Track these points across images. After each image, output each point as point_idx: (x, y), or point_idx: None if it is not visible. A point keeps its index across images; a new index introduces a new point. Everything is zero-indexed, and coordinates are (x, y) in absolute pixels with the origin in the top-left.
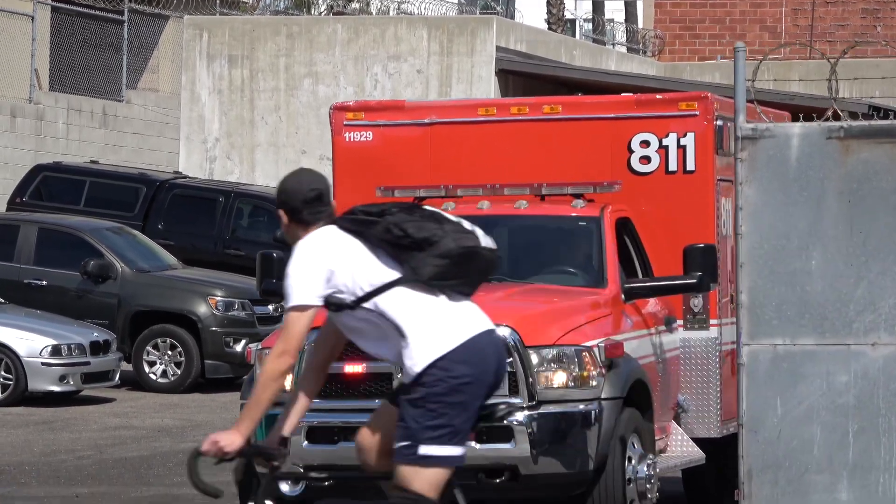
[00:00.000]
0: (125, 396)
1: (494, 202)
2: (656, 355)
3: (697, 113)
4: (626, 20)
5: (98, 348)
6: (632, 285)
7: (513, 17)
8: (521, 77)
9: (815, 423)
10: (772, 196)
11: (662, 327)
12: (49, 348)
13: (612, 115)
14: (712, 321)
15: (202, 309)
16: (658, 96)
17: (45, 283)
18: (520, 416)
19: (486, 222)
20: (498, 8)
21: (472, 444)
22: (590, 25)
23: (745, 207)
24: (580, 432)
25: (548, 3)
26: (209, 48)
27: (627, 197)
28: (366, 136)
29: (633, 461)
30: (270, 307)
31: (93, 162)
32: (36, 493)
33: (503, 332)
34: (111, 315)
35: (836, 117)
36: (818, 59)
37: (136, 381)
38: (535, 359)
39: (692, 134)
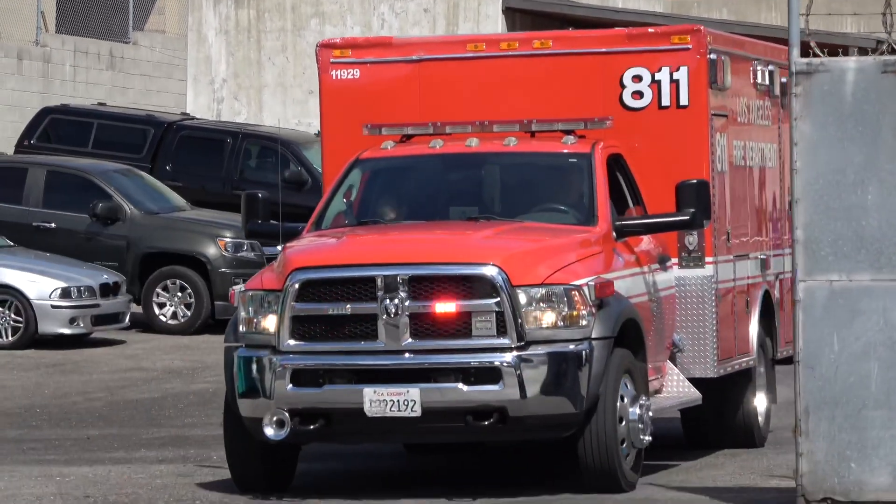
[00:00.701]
0: (135, 338)
1: (483, 139)
2: (649, 294)
3: (690, 46)
4: None
5: (108, 290)
6: (623, 223)
7: None
8: (528, 15)
9: (872, 358)
10: (827, 131)
11: (656, 266)
12: (59, 291)
13: (603, 50)
14: (707, 259)
15: (211, 250)
16: (650, 30)
17: (53, 225)
18: (507, 356)
19: (474, 160)
20: None
21: (459, 385)
22: None
23: (799, 143)
24: (571, 372)
25: None
26: (216, 6)
27: (620, 133)
28: (353, 74)
29: (625, 402)
30: (279, 247)
31: (100, 104)
32: (48, 436)
33: (490, 270)
34: (120, 257)
35: (893, 52)
36: None
37: (146, 323)
38: (523, 298)
39: (685, 68)
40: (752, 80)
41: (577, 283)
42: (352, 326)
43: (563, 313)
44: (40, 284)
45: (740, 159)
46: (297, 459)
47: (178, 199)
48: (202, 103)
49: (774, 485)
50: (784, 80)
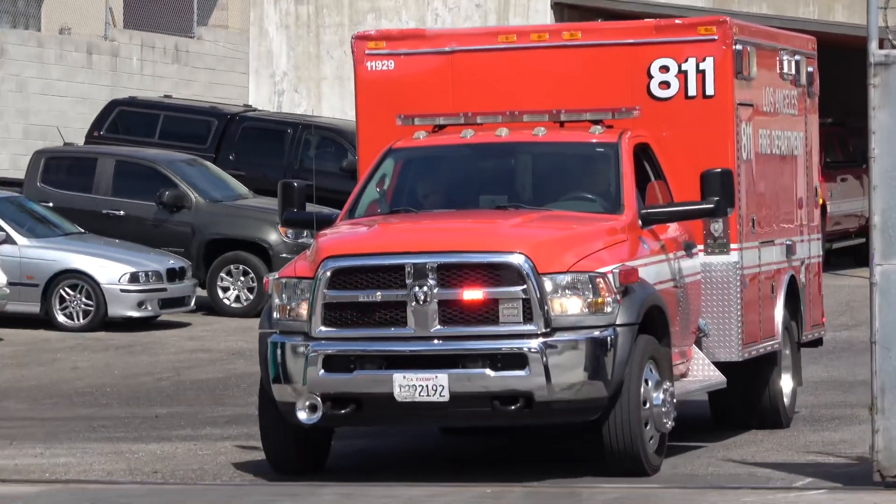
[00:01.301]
0: (200, 321)
1: (513, 129)
2: (675, 280)
3: (716, 37)
4: None
5: (174, 275)
6: (649, 211)
7: None
8: (576, 10)
9: None
10: None
11: (682, 252)
12: (127, 275)
13: (630, 41)
14: (733, 245)
15: (273, 236)
16: (677, 21)
17: (122, 213)
18: (533, 343)
19: (504, 149)
20: None
21: (487, 371)
22: None
23: (877, 132)
24: (596, 358)
25: None
26: (276, 2)
27: (647, 122)
28: (387, 65)
29: (650, 387)
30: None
31: (166, 96)
32: (117, 414)
33: (517, 259)
34: (186, 243)
35: None
36: None
37: (211, 307)
38: (549, 286)
39: (711, 59)
40: (778, 70)
41: (602, 270)
42: (382, 313)
43: (589, 300)
44: (110, 269)
45: (766, 148)
46: (330, 441)
47: (240, 188)
48: (263, 95)
49: (811, 460)
50: (810, 69)
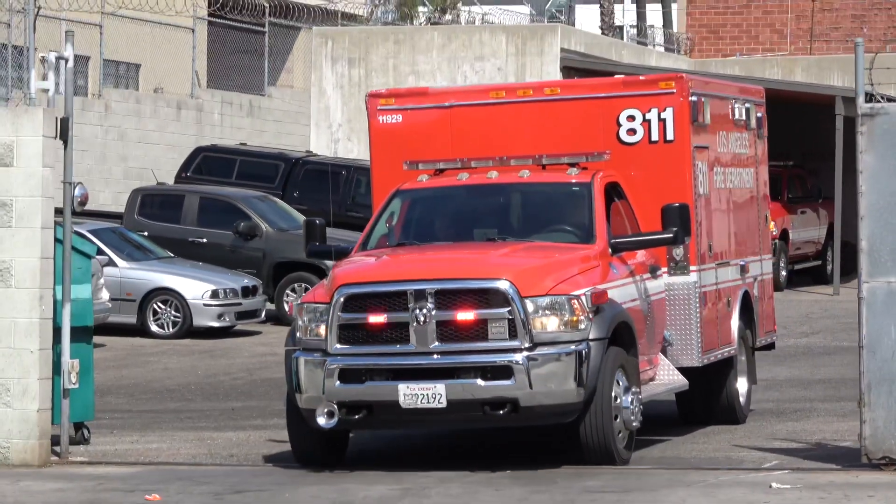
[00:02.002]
0: (270, 330)
1: (502, 172)
2: (641, 299)
3: (674, 91)
4: (664, 26)
5: (248, 292)
6: (617, 240)
7: (573, 25)
8: (581, 72)
9: None
10: (886, 162)
11: (647, 275)
12: (209, 292)
13: (602, 95)
14: (692, 267)
15: (328, 260)
16: (641, 77)
17: (205, 240)
18: (518, 356)
19: (494, 189)
20: (562, 17)
21: (478, 381)
22: (635, 30)
23: (864, 171)
24: (571, 368)
25: (601, 13)
26: (333, 52)
27: (617, 164)
28: (396, 119)
29: (619, 392)
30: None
31: (242, 144)
32: (200, 407)
33: (503, 284)
34: (258, 265)
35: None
36: (818, 56)
37: (278, 317)
38: (531, 307)
39: (671, 109)
40: (731, 116)
41: (577, 293)
42: (388, 332)
43: (565, 319)
44: (195, 287)
45: (721, 183)
46: (347, 440)
47: (302, 219)
48: (322, 143)
49: (777, 446)
50: (759, 114)
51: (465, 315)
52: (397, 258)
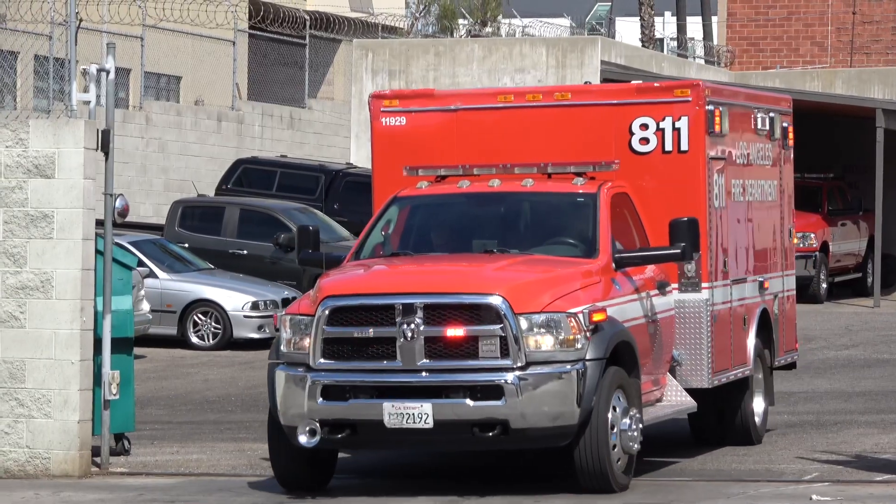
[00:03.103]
0: None
1: (505, 180)
2: (647, 317)
3: (690, 99)
4: (704, 38)
5: (288, 303)
6: (622, 255)
7: (613, 37)
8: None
9: None
10: None
11: (655, 291)
12: (249, 304)
13: (615, 102)
14: (704, 284)
15: None
16: (656, 84)
17: (245, 252)
18: (510, 376)
19: (495, 198)
20: (602, 30)
21: (467, 401)
22: (675, 43)
23: None
24: (566, 389)
25: (641, 25)
26: (373, 65)
27: (628, 174)
28: (400, 121)
29: (617, 414)
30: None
31: (282, 156)
32: (240, 418)
33: (495, 300)
34: (298, 277)
35: None
36: (858, 68)
37: None
38: (524, 324)
39: (686, 118)
40: (752, 126)
41: (573, 310)
42: (374, 347)
43: (561, 337)
44: (235, 299)
45: (739, 196)
46: (335, 460)
47: (343, 231)
48: (363, 155)
49: (817, 458)
50: (785, 124)
51: (455, 331)
52: (386, 270)
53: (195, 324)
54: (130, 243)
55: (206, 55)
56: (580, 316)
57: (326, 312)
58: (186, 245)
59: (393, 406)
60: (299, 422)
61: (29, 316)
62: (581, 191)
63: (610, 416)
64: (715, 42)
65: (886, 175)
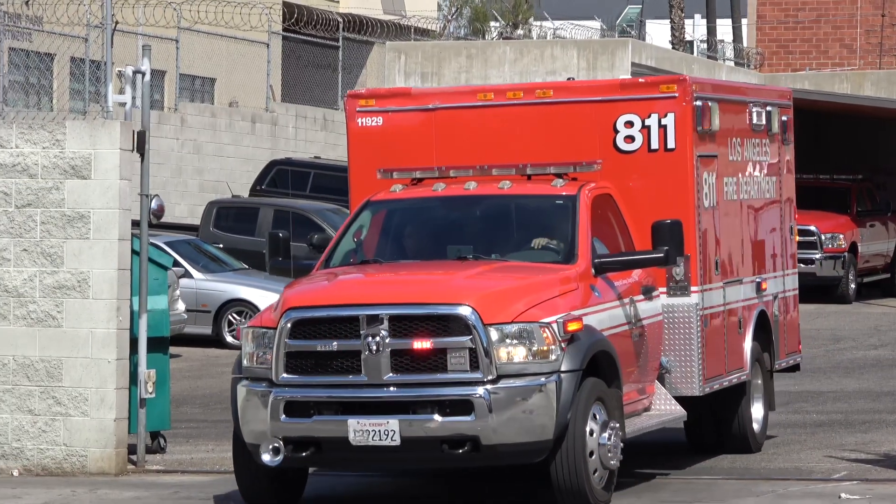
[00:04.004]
0: None
1: (482, 182)
2: (630, 324)
3: (676, 95)
4: (734, 40)
5: None
6: (601, 260)
7: (644, 39)
8: None
9: None
10: None
11: (640, 296)
12: None
13: (598, 98)
14: (693, 288)
15: None
16: (640, 80)
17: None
18: (480, 389)
19: (471, 202)
20: (632, 32)
21: (435, 417)
22: (705, 45)
23: None
24: (539, 403)
25: (672, 28)
26: (406, 67)
27: (613, 174)
28: (376, 121)
29: (596, 428)
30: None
31: (316, 157)
32: None
33: (464, 310)
34: None
35: None
36: (887, 70)
37: None
38: (494, 335)
39: (672, 114)
40: (747, 121)
41: (547, 320)
42: (338, 361)
43: (533, 349)
44: (269, 298)
45: (732, 194)
46: (305, 478)
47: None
48: None
49: (846, 456)
50: (785, 118)
51: (422, 343)
52: (352, 279)
53: (230, 323)
54: (166, 243)
55: (240, 57)
56: (554, 326)
57: (289, 325)
58: (221, 245)
59: (358, 423)
60: (262, 440)
61: (66, 315)
62: (560, 193)
63: (587, 430)
64: (745, 44)
65: None
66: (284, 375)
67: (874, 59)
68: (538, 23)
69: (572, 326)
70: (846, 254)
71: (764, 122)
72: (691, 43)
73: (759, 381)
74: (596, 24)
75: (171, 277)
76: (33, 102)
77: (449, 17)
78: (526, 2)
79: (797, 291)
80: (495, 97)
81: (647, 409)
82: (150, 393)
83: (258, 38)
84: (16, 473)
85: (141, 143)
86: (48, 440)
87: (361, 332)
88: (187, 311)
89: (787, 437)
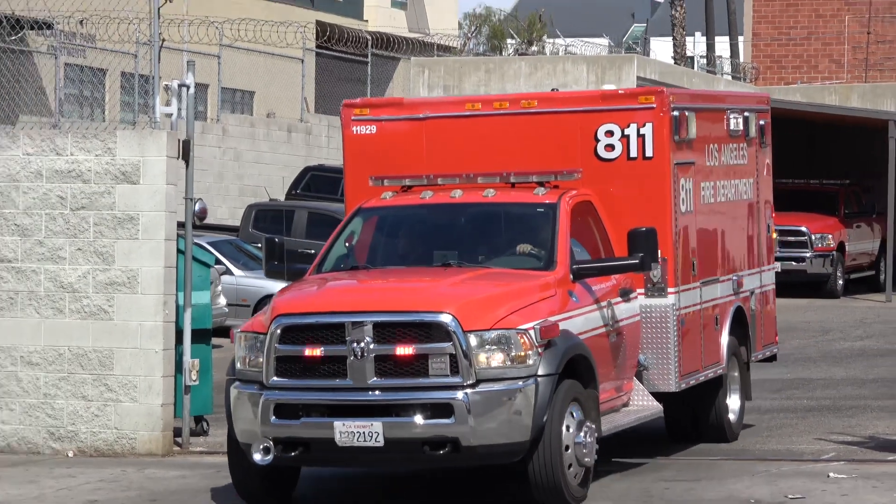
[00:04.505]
0: None
1: (467, 190)
2: (607, 326)
3: (654, 106)
4: (731, 56)
5: None
6: (579, 266)
7: (648, 55)
8: None
9: None
10: None
11: (618, 299)
12: None
13: (580, 109)
14: (670, 289)
15: None
16: (620, 91)
17: (312, 251)
18: (459, 394)
19: (456, 209)
20: (638, 49)
21: (417, 419)
22: (704, 60)
23: None
24: (516, 406)
25: (674, 45)
26: (429, 81)
27: (595, 181)
28: (370, 130)
29: (571, 429)
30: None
31: None
32: None
33: (445, 318)
34: None
35: None
36: (872, 83)
37: None
38: (474, 342)
39: (650, 124)
40: (725, 127)
41: (524, 327)
42: (325, 366)
43: (511, 354)
44: None
45: (709, 198)
46: (298, 474)
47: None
48: None
49: (834, 439)
50: (762, 122)
51: (405, 349)
52: (339, 287)
53: None
54: (208, 243)
55: (277, 72)
56: (531, 332)
57: (278, 331)
58: (259, 245)
59: (344, 425)
60: (254, 439)
61: (117, 309)
62: (541, 201)
63: (564, 430)
64: (741, 59)
65: None
66: (274, 379)
67: (860, 73)
68: (551, 40)
69: (549, 332)
70: (834, 252)
71: (741, 127)
72: (692, 58)
73: (736, 374)
74: (604, 41)
75: (213, 274)
76: (87, 114)
77: (469, 35)
78: (539, 21)
79: (774, 286)
80: (483, 107)
81: (625, 405)
82: (194, 380)
83: (293, 54)
84: (71, 454)
85: (186, 151)
86: (100, 424)
87: (347, 338)
88: (228, 305)
89: (779, 422)
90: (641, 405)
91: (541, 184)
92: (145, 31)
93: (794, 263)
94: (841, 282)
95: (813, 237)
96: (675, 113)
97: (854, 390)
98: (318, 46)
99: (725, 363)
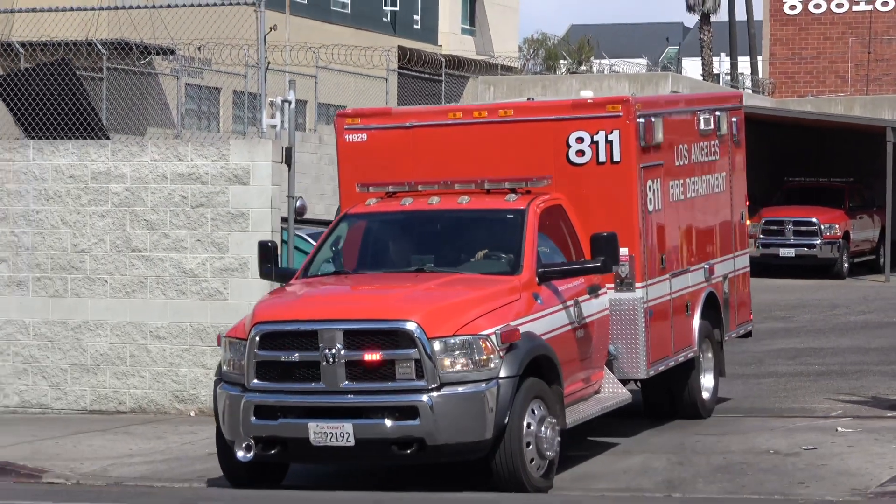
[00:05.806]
0: None
1: (444, 197)
2: (573, 323)
3: (621, 114)
4: (752, 73)
5: None
6: (545, 269)
7: (681, 73)
8: None
9: None
10: None
11: (586, 296)
12: None
13: (553, 117)
14: (638, 284)
15: None
16: (589, 100)
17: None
18: (424, 397)
19: (432, 216)
20: (671, 67)
21: (385, 421)
22: (728, 77)
23: None
24: (477, 407)
25: (702, 63)
26: (494, 96)
27: (567, 185)
28: (361, 138)
29: (532, 426)
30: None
31: None
32: None
33: (410, 326)
34: None
35: None
36: (872, 95)
37: None
38: (438, 347)
39: (617, 131)
40: (695, 127)
41: (486, 332)
42: (301, 370)
43: (474, 359)
44: None
45: (679, 195)
46: (287, 467)
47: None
48: None
49: (841, 398)
50: (735, 119)
51: (373, 355)
52: (315, 295)
53: None
54: (308, 235)
55: (364, 90)
56: (493, 337)
57: (258, 338)
58: None
59: (317, 426)
60: (237, 437)
61: (230, 291)
62: (510, 207)
63: (525, 427)
64: (760, 76)
65: (895, 179)
66: (255, 381)
67: (862, 87)
68: (597, 60)
69: (511, 336)
70: (841, 240)
71: (712, 126)
72: (718, 75)
73: (710, 355)
74: (643, 61)
75: None
76: (204, 126)
77: (528, 57)
78: (588, 44)
79: (748, 269)
80: (463, 116)
81: (597, 393)
82: None
83: (378, 74)
84: (192, 414)
85: (288, 157)
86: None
87: (320, 344)
88: None
89: (794, 384)
90: (612, 392)
91: (513, 190)
92: (253, 55)
93: (805, 249)
94: (846, 265)
95: (822, 227)
96: (641, 120)
97: (858, 357)
98: (399, 67)
99: (697, 346)
